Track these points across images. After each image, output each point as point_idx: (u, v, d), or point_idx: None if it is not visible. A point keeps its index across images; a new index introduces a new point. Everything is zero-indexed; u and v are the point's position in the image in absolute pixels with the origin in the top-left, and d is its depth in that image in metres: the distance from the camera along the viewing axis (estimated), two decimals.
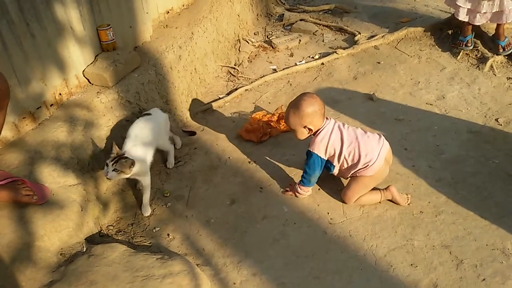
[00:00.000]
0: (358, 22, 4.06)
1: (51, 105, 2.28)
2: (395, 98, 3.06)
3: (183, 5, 3.34)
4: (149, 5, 2.89)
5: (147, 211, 2.23)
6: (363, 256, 1.98)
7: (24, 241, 1.79)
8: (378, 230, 2.10)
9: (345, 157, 2.15)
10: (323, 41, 3.85)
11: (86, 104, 2.34)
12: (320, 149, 2.15)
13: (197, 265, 1.93)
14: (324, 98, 3.06)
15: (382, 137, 2.21)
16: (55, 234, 1.87)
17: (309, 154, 2.18)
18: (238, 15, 3.80)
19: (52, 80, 2.27)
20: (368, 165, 2.12)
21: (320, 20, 4.14)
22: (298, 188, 2.25)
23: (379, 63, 3.46)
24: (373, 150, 2.13)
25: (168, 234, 2.12)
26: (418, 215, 2.16)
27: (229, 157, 2.58)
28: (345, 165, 2.18)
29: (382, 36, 3.72)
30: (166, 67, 2.79)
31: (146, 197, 2.24)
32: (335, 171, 2.24)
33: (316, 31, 3.96)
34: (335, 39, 3.87)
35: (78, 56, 2.40)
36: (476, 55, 3.38)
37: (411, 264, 1.93)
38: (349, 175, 2.21)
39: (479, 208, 2.17)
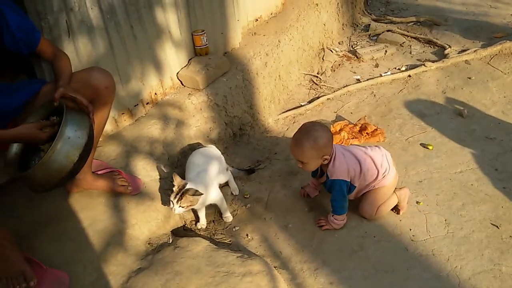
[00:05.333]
0: (448, 35, 3.91)
1: (147, 103, 2.44)
2: (486, 116, 2.91)
3: (271, 14, 3.42)
4: (240, 13, 3.00)
5: (230, 218, 2.25)
6: (446, 277, 1.90)
7: (117, 228, 1.93)
8: (463, 251, 2.01)
9: (364, 174, 2.11)
10: (410, 53, 3.75)
11: (178, 104, 2.47)
12: (343, 174, 2.07)
13: (274, 267, 1.96)
14: (411, 111, 3.00)
15: (379, 146, 2.22)
16: (145, 224, 1.99)
17: (333, 183, 2.07)
18: (324, 24, 3.81)
19: (149, 80, 2.43)
20: (385, 175, 2.13)
21: (408, 31, 4.03)
22: (334, 219, 2.12)
23: (470, 78, 3.31)
24: (382, 159, 2.14)
25: (247, 234, 2.18)
26: (508, 240, 2.04)
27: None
28: (364, 183, 2.14)
29: (474, 51, 3.55)
30: (253, 73, 2.87)
31: (224, 207, 2.23)
32: (353, 193, 2.17)
33: (403, 42, 3.87)
34: (424, 51, 3.76)
35: (173, 59, 2.54)
36: None
37: None
38: (364, 192, 2.18)
39: None
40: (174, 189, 1.97)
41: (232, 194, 2.41)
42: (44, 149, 1.60)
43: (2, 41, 1.64)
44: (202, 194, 1.96)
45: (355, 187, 2.15)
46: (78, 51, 2.03)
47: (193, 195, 1.94)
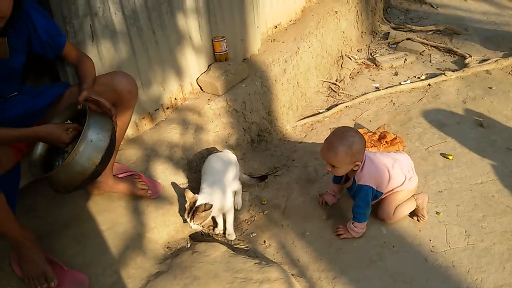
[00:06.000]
0: (468, 44, 3.88)
1: (167, 108, 2.46)
2: (507, 127, 2.87)
3: (291, 21, 3.43)
4: (260, 20, 3.01)
5: (232, 236, 2.16)
6: None
7: (137, 231, 1.94)
8: (484, 264, 1.97)
9: (392, 181, 2.11)
10: (430, 61, 3.73)
11: (198, 109, 2.49)
12: (371, 181, 2.05)
13: (292, 275, 1.95)
14: (430, 120, 2.97)
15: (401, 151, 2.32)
16: (164, 228, 2.00)
17: (360, 188, 2.06)
18: (343, 32, 3.81)
19: (170, 85, 2.45)
20: (411, 179, 2.17)
21: (427, 40, 4.01)
22: (353, 227, 2.09)
23: (491, 88, 3.27)
24: (407, 164, 2.19)
25: (264, 241, 2.17)
26: None
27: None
28: (390, 187, 2.14)
29: (496, 61, 3.51)
30: (271, 79, 2.88)
31: (230, 222, 2.15)
32: (380, 198, 2.19)
33: (423, 51, 3.85)
34: (443, 60, 3.73)
35: (193, 65, 2.56)
36: None
37: None
38: (385, 196, 2.18)
39: None
40: (186, 206, 1.95)
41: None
42: (68, 151, 1.62)
43: (30, 44, 1.67)
44: (211, 206, 1.91)
45: (382, 193, 2.14)
46: (101, 55, 2.06)
47: (204, 210, 1.90)
